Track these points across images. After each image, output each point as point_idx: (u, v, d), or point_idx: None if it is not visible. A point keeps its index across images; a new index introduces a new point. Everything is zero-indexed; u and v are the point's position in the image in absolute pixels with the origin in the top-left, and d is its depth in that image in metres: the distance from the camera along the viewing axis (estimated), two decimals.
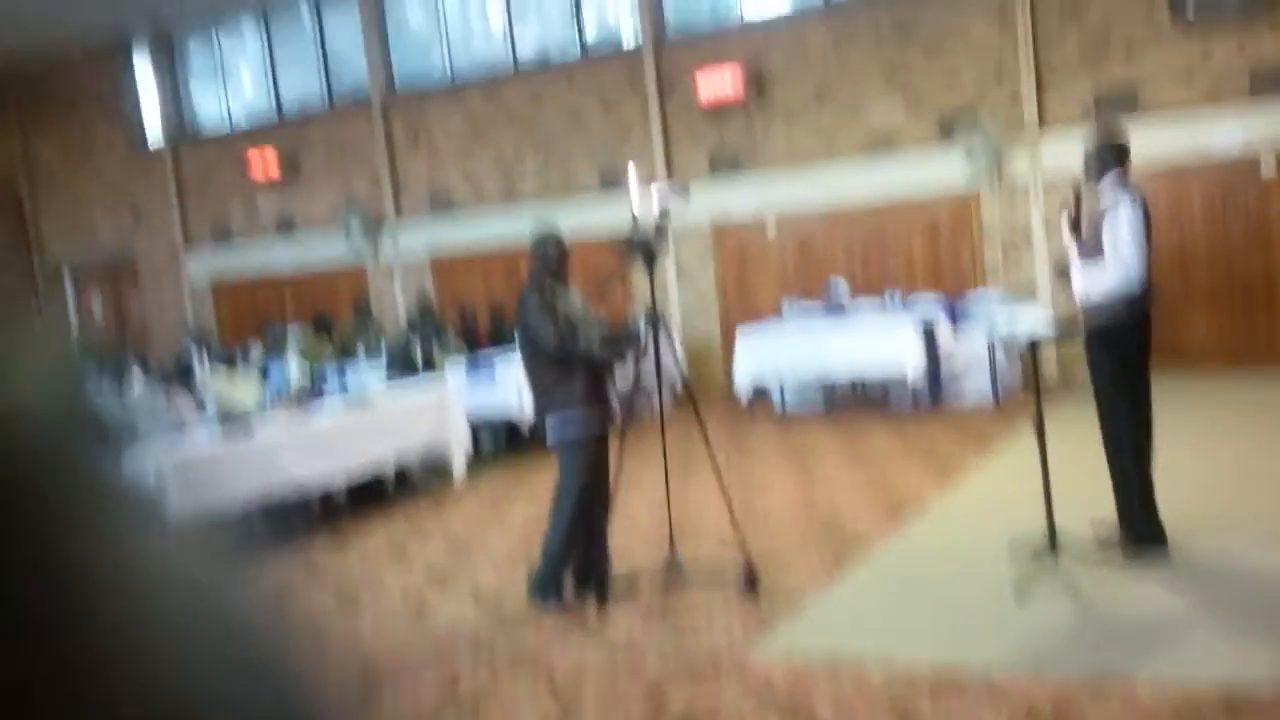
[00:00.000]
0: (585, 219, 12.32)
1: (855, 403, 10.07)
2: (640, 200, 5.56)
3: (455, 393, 8.79)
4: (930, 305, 9.83)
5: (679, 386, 6.81)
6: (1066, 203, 5.36)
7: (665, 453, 5.54)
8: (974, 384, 9.56)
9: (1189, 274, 9.45)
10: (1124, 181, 5.09)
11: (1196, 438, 7.02)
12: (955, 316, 9.83)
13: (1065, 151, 9.88)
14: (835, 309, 9.87)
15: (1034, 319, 5.16)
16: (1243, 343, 9.32)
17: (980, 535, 5.67)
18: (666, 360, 5.59)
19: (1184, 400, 8.01)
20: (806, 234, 11.33)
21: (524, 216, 12.90)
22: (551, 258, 5.35)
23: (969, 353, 9.53)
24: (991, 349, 9.26)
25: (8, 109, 16.68)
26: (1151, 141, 9.47)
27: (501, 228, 13.01)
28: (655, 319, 5.46)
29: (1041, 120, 10.02)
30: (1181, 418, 6.90)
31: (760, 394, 10.18)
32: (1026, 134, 10.05)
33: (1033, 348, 5.08)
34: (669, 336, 5.68)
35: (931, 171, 10.50)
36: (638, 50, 12.11)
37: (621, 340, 5.45)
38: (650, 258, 5.41)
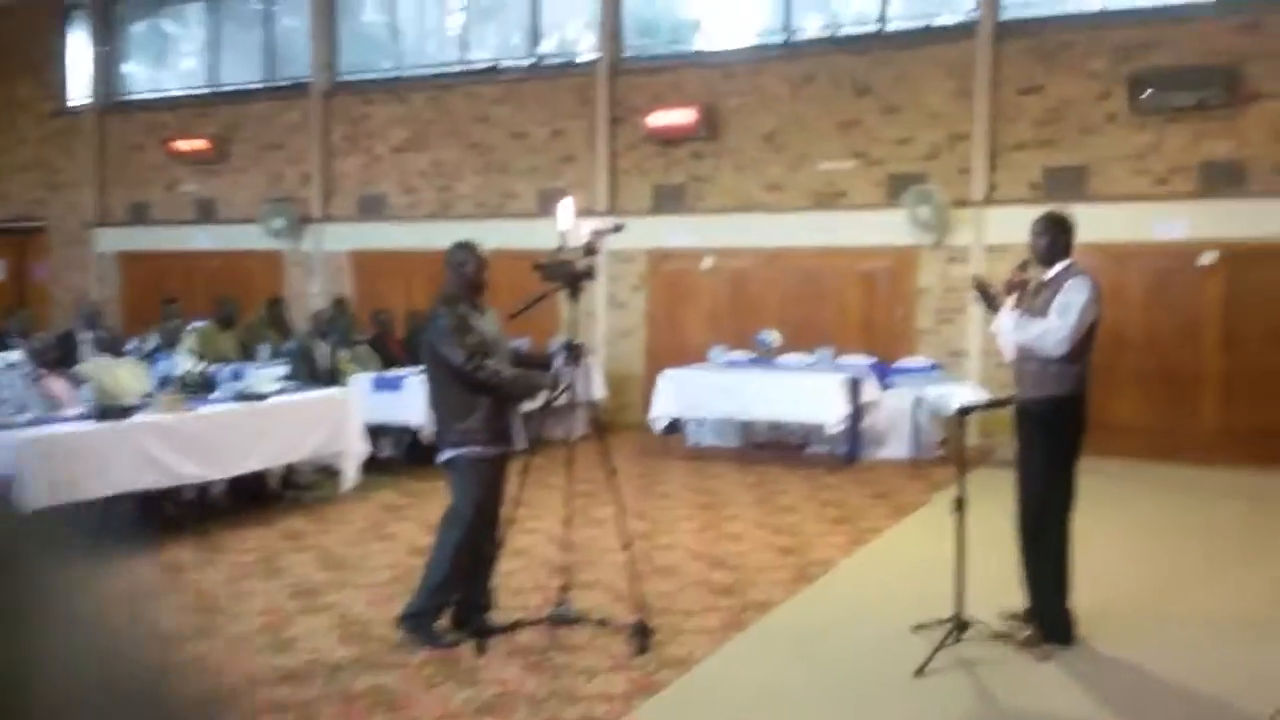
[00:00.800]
0: (520, 240, 11.94)
1: (771, 446, 9.80)
2: (570, 226, 5.19)
3: (355, 397, 8.31)
4: (860, 367, 9.63)
5: (592, 417, 6.41)
6: (1013, 277, 5.12)
7: (570, 489, 5.15)
8: (893, 441, 9.37)
9: (1121, 356, 9.36)
10: (1076, 269, 4.89)
11: (1114, 528, 6.83)
12: (884, 377, 9.66)
13: (1009, 226, 9.82)
14: (763, 362, 9.59)
15: (967, 393, 4.89)
16: (1165, 433, 9.23)
17: (887, 605, 5.37)
18: (582, 391, 5.22)
19: (1102, 486, 7.86)
20: (743, 275, 11.09)
21: (457, 230, 12.48)
22: (469, 274, 4.94)
23: (892, 410, 9.34)
24: (915, 408, 9.06)
25: None
26: (1096, 223, 9.42)
27: (432, 239, 12.54)
28: (575, 349, 5.09)
29: (990, 193, 9.92)
30: (1099, 505, 6.72)
31: (675, 426, 9.87)
32: (973, 205, 9.93)
33: (961, 421, 4.81)
34: (587, 367, 5.30)
35: (875, 230, 10.34)
36: (592, 72, 11.83)
37: (536, 379, 5.04)
38: (575, 286, 5.05)
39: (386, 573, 6.03)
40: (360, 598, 5.57)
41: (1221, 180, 9.02)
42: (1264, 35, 8.87)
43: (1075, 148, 9.60)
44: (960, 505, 4.80)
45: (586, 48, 12.27)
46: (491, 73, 12.64)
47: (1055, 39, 9.67)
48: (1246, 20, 8.95)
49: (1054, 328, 4.77)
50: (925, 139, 10.24)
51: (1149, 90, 9.08)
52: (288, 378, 8.67)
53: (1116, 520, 7.07)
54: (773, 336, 9.47)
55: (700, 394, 9.38)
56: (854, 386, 9.00)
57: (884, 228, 10.29)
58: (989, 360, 9.92)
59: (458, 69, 12.87)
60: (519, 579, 5.81)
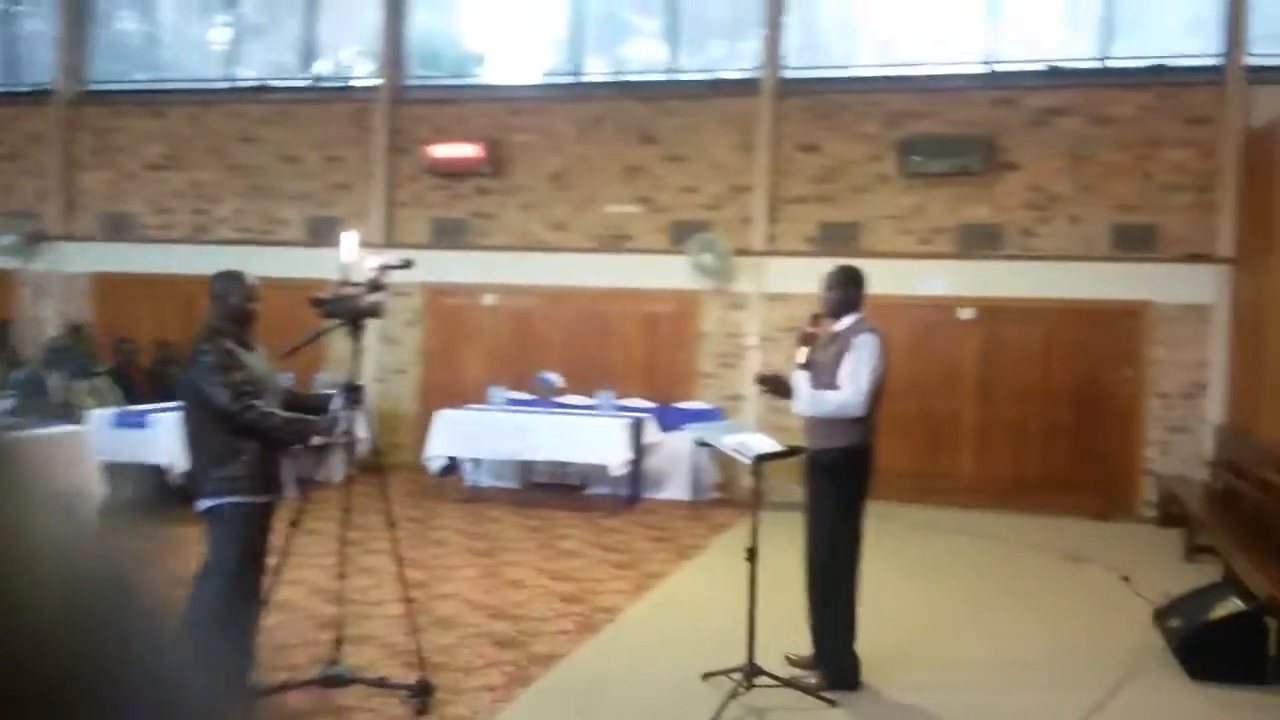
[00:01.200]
0: (286, 269, 11.24)
1: (551, 487, 9.55)
2: (354, 259, 4.79)
3: (91, 434, 7.45)
4: (641, 409, 9.58)
5: (358, 458, 5.94)
6: (803, 331, 5.14)
7: (339, 535, 4.70)
8: (672, 483, 9.35)
9: (887, 404, 9.69)
10: (865, 323, 4.96)
11: (885, 569, 6.94)
12: (664, 419, 9.64)
13: (787, 276, 10.10)
14: (545, 403, 9.36)
15: (762, 442, 4.84)
16: (928, 477, 9.62)
17: (675, 654, 5.20)
18: (359, 434, 4.83)
19: (870, 528, 8.08)
20: (525, 313, 10.85)
21: (215, 256, 11.62)
22: (235, 305, 4.43)
23: (672, 452, 9.33)
24: (695, 451, 9.07)
25: None
26: (868, 277, 9.81)
27: (187, 263, 11.62)
28: (355, 391, 4.68)
29: (769, 243, 10.15)
30: (870, 547, 6.87)
31: (451, 467, 9.47)
32: (754, 254, 10.14)
33: (757, 470, 4.74)
34: (365, 410, 4.90)
35: (658, 273, 10.37)
36: (371, 98, 11.35)
37: (310, 423, 4.58)
38: (358, 324, 4.64)
39: None
40: None
41: (979, 241, 9.60)
42: (1017, 110, 9.55)
43: (849, 204, 9.99)
44: (753, 555, 4.70)
45: (364, 72, 11.78)
46: (260, 91, 11.92)
47: (833, 100, 10.07)
48: (1002, 95, 9.61)
49: (847, 397, 4.80)
50: (709, 189, 10.40)
51: (915, 156, 9.58)
52: (13, 412, 7.69)
53: (889, 561, 7.23)
54: (554, 377, 9.26)
55: (480, 434, 9.03)
56: (637, 428, 8.91)
57: (667, 272, 10.34)
58: (765, 404, 10.09)
59: (222, 85, 12.07)
60: (281, 635, 5.26)
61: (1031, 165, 9.52)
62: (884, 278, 9.84)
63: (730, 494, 9.78)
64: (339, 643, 4.85)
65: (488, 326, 10.96)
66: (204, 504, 4.34)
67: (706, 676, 4.84)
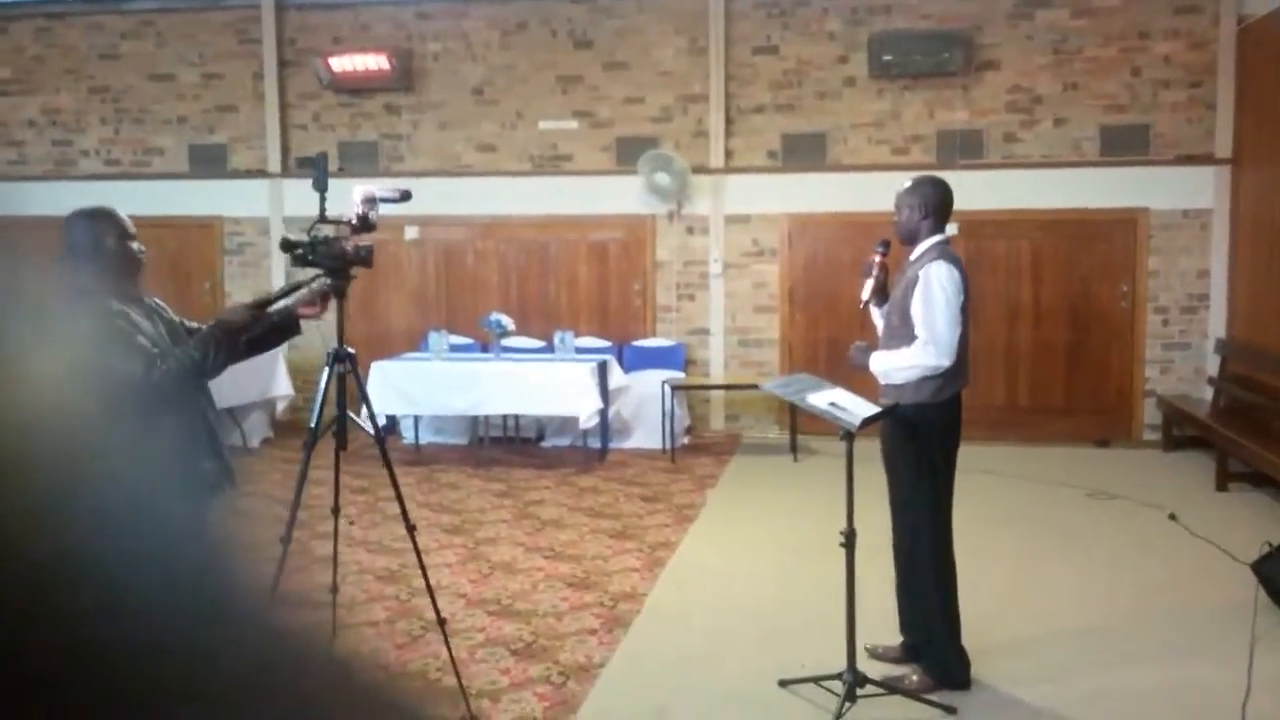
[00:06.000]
0: (167, 206, 9.75)
1: (503, 441, 8.48)
2: (321, 190, 3.63)
3: None
4: (602, 350, 8.58)
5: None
6: (868, 261, 4.21)
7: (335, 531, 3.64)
8: (640, 430, 8.42)
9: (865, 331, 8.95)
10: (937, 249, 4.03)
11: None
12: (623, 360, 8.68)
13: (748, 196, 9.15)
14: (497, 350, 8.23)
15: (852, 399, 3.89)
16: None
17: (729, 655, 4.32)
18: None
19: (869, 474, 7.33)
20: (455, 248, 9.62)
21: (83, 193, 10.01)
22: (110, 251, 3.17)
23: (638, 396, 8.38)
24: (666, 395, 8.13)
25: None
26: (837, 193, 8.96)
27: (49, 203, 9.97)
28: (344, 361, 3.64)
29: (728, 160, 9.15)
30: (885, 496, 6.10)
31: (387, 425, 8.28)
32: (712, 173, 9.13)
33: (850, 437, 3.80)
34: (358, 379, 3.82)
35: (604, 198, 9.27)
36: (252, 4, 9.80)
37: (239, 314, 3.33)
38: (344, 274, 3.52)
39: None
40: None
41: (958, 149, 8.80)
42: (996, 1, 8.70)
43: (814, 113, 9.04)
44: (851, 540, 3.79)
45: None
46: (121, 0, 10.21)
47: None
48: None
49: (919, 355, 3.89)
50: (656, 100, 9.30)
51: (886, 55, 8.67)
52: None
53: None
54: (504, 319, 8.13)
55: (422, 388, 7.87)
56: (602, 373, 7.90)
57: (614, 195, 9.26)
58: (732, 339, 9.20)
59: None
60: None
61: (1012, 64, 8.73)
62: (855, 193, 9.02)
63: (701, 438, 8.90)
64: None
65: (412, 264, 9.70)
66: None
67: (785, 684, 3.97)
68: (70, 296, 3.14)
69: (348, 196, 3.68)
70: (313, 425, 3.75)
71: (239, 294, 9.71)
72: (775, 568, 5.45)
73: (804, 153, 9.05)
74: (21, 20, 10.25)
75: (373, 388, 7.85)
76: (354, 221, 3.64)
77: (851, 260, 8.95)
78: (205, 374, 3.24)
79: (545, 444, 8.58)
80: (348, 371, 3.74)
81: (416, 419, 8.40)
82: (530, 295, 9.43)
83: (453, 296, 9.55)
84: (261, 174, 9.87)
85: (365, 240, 3.65)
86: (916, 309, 3.92)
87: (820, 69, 9.03)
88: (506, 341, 8.35)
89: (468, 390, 7.73)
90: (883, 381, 4.10)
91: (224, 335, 3.26)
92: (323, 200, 3.63)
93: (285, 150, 9.87)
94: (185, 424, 3.23)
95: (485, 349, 8.66)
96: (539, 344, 8.85)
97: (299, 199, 9.66)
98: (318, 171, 3.70)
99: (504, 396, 7.75)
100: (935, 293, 3.91)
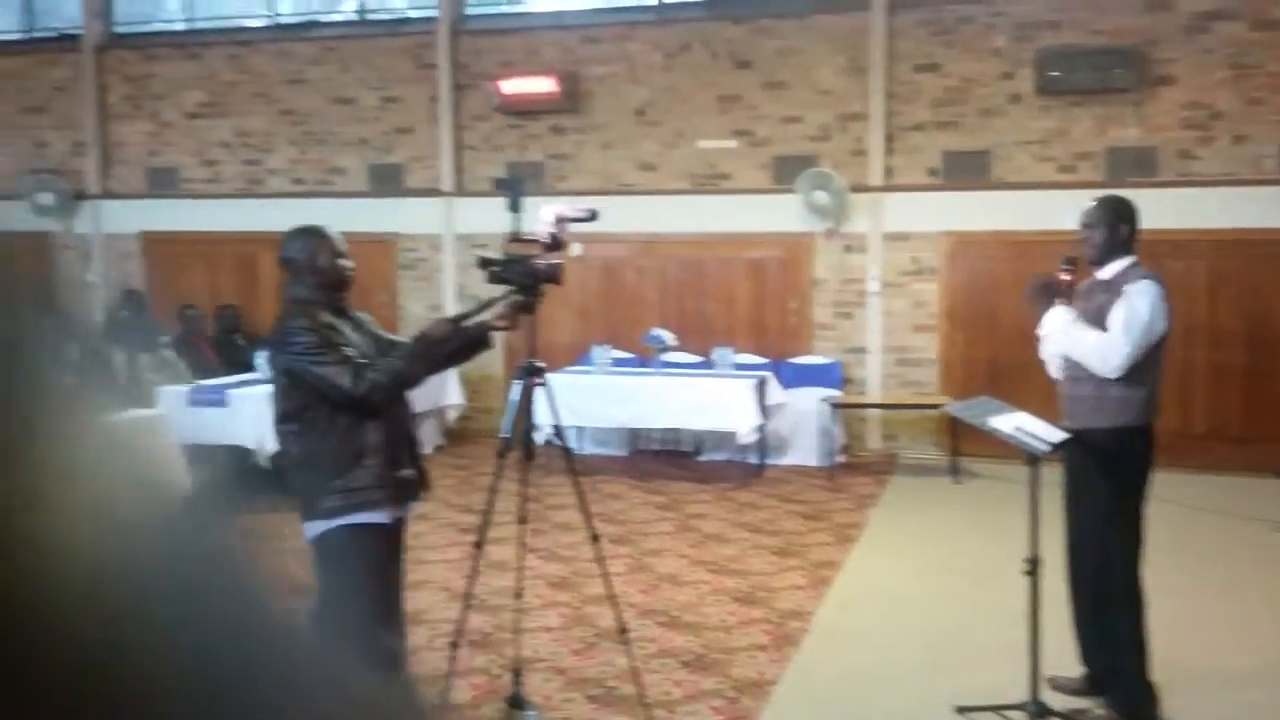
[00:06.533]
0: (348, 225, 10.29)
1: (662, 454, 8.69)
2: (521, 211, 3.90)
3: (168, 417, 6.63)
4: (761, 367, 8.71)
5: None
6: (1053, 280, 4.17)
7: (524, 545, 3.88)
8: (797, 447, 8.50)
9: (1025, 351, 8.81)
10: (1142, 268, 4.00)
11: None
12: (782, 380, 8.77)
13: (908, 214, 9.12)
14: (657, 364, 8.44)
15: (1035, 423, 3.91)
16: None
17: (905, 678, 4.37)
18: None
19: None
20: (616, 264, 9.90)
21: (270, 210, 10.71)
22: (322, 269, 3.50)
23: (796, 413, 8.46)
24: (824, 413, 8.18)
25: None
26: (999, 211, 8.86)
27: (240, 220, 10.73)
28: (534, 374, 3.90)
29: (887, 178, 9.16)
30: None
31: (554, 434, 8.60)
32: (871, 191, 9.15)
33: (1034, 462, 3.82)
34: (547, 391, 4.06)
35: (761, 216, 9.40)
36: (429, 30, 10.31)
37: (448, 330, 3.60)
38: (535, 291, 3.77)
39: None
40: None
41: (1130, 167, 8.59)
42: (1171, 15, 8.46)
43: (977, 131, 8.96)
44: (1035, 567, 3.81)
45: (419, 2, 10.71)
46: (307, 28, 10.89)
47: (955, 12, 8.99)
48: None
49: (1114, 343, 3.87)
50: (814, 118, 9.38)
51: (1053, 72, 8.53)
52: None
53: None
54: (666, 335, 8.35)
55: (586, 400, 8.14)
56: (760, 389, 8.03)
57: (771, 213, 9.37)
58: (889, 358, 9.20)
59: (263, 22, 11.05)
60: (423, 654, 4.47)
61: (1189, 79, 8.47)
62: (1018, 211, 8.91)
63: (857, 457, 8.92)
64: (517, 675, 4.05)
65: (575, 279, 10.01)
66: (316, 528, 3.45)
67: (963, 711, 4.01)
68: (287, 308, 3.47)
69: (531, 216, 3.90)
70: (505, 435, 4.00)
71: (412, 307, 10.23)
72: (944, 591, 5.48)
73: (966, 170, 8.98)
74: (216, 48, 11.03)
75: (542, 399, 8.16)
76: (545, 240, 3.86)
77: (1013, 279, 8.83)
78: (409, 385, 3.52)
79: (702, 458, 8.75)
80: (538, 385, 3.96)
81: (579, 430, 8.69)
82: (688, 312, 9.63)
83: (613, 312, 9.83)
84: (435, 192, 10.37)
85: (555, 258, 3.87)
86: (1116, 318, 3.88)
87: (984, 86, 8.95)
88: (666, 357, 8.56)
89: (629, 403, 7.97)
90: (1059, 349, 4.07)
91: (427, 348, 3.54)
92: (517, 221, 3.87)
93: (458, 170, 10.34)
94: (390, 433, 3.51)
95: (644, 363, 8.89)
96: (696, 359, 9.02)
97: (469, 216, 10.15)
98: (512, 193, 3.95)
99: (665, 410, 7.96)
100: (1142, 305, 3.86)
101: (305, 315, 3.41)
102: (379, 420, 3.44)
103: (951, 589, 5.49)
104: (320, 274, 3.50)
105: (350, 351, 3.40)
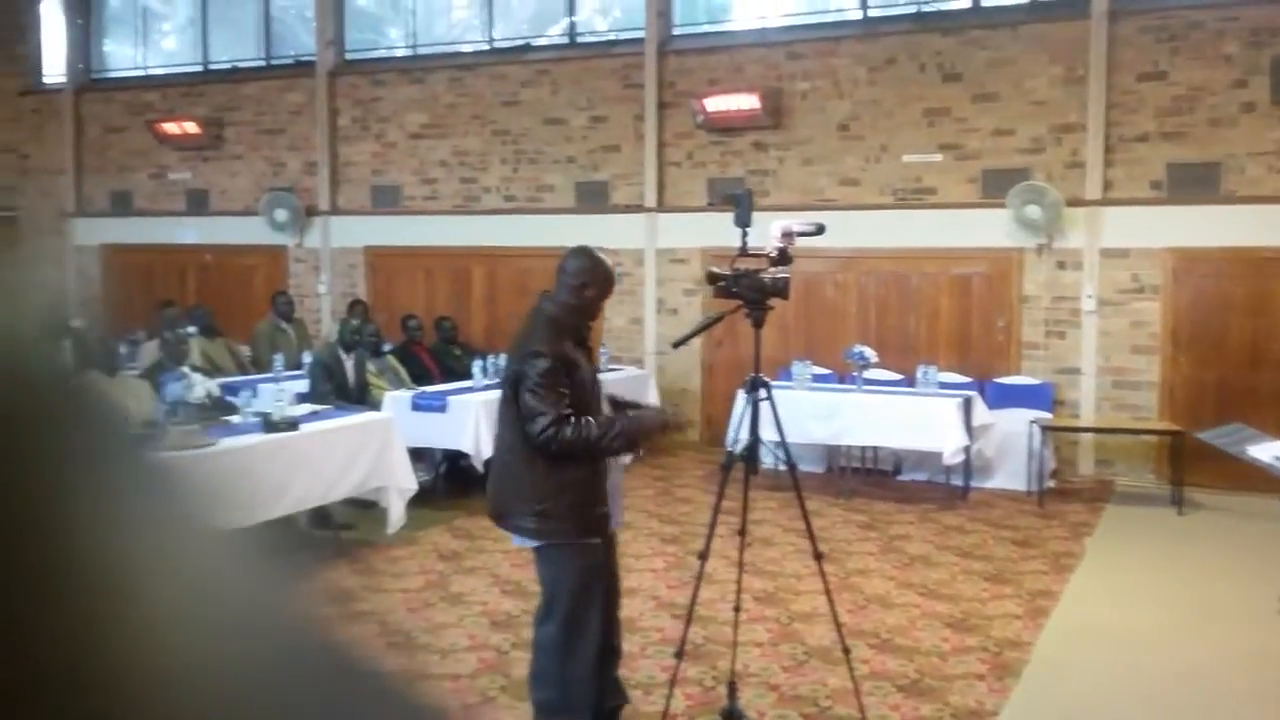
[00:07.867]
0: (555, 240, 10.72)
1: (861, 473, 8.62)
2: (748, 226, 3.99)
3: (394, 420, 7.06)
4: (966, 386, 8.53)
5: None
6: None
7: (741, 557, 3.98)
8: (1003, 470, 8.27)
9: (1260, 373, 8.31)
10: None
11: None
12: (988, 400, 8.55)
13: (1128, 229, 8.75)
14: (858, 381, 8.39)
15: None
16: None
17: (1124, 715, 4.22)
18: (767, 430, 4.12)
19: (1262, 533, 6.80)
20: (815, 280, 9.89)
21: (484, 226, 11.26)
22: (590, 300, 3.64)
23: (1003, 435, 8.23)
24: (1034, 435, 7.93)
25: None
26: (1230, 226, 8.38)
27: (456, 235, 11.32)
28: (758, 389, 3.99)
29: (1105, 191, 8.81)
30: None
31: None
32: (1087, 205, 8.82)
33: None
34: (772, 407, 4.14)
35: (968, 231, 9.20)
36: (637, 51, 10.59)
37: (636, 422, 3.73)
38: (763, 305, 3.87)
39: (471, 658, 4.79)
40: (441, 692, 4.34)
41: None
42: None
43: (1205, 141, 8.51)
44: None
45: (626, 24, 11.01)
46: (521, 51, 11.37)
47: (1182, 17, 8.57)
48: None
49: None
50: (1026, 130, 9.11)
51: None
52: (308, 397, 7.38)
53: None
54: (868, 352, 8.29)
55: (786, 416, 8.13)
56: (966, 409, 7.87)
57: (978, 228, 9.17)
58: (1105, 380, 8.83)
59: (481, 47, 11.60)
60: (633, 662, 4.62)
61: None
62: (1252, 226, 8.40)
63: (1068, 483, 8.60)
64: (733, 689, 4.15)
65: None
66: (521, 541, 3.67)
67: None
68: (540, 331, 3.64)
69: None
70: (730, 449, 4.11)
71: (615, 319, 10.52)
72: (1172, 630, 5.24)
73: (1193, 183, 8.54)
74: (438, 72, 11.66)
75: (738, 408, 8.25)
76: (773, 254, 3.93)
77: (1246, 298, 8.37)
78: (595, 455, 3.55)
79: (902, 477, 8.64)
80: (763, 400, 4.02)
81: (778, 445, 8.73)
82: (889, 328, 9.53)
83: (812, 327, 9.82)
84: (639, 209, 10.63)
85: (782, 272, 3.93)
86: None
87: (1214, 94, 8.49)
88: (867, 374, 8.50)
89: (830, 420, 7.96)
90: None
91: (631, 434, 3.66)
92: (744, 236, 3.95)
93: (660, 187, 10.57)
94: (594, 469, 3.64)
95: (842, 380, 8.85)
96: (896, 377, 8.91)
97: (670, 231, 10.37)
98: (740, 208, 4.03)
99: (866, 427, 7.91)
100: None
101: (553, 337, 3.55)
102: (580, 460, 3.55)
103: (1186, 626, 5.25)
104: (581, 301, 3.65)
105: (565, 399, 3.47)
